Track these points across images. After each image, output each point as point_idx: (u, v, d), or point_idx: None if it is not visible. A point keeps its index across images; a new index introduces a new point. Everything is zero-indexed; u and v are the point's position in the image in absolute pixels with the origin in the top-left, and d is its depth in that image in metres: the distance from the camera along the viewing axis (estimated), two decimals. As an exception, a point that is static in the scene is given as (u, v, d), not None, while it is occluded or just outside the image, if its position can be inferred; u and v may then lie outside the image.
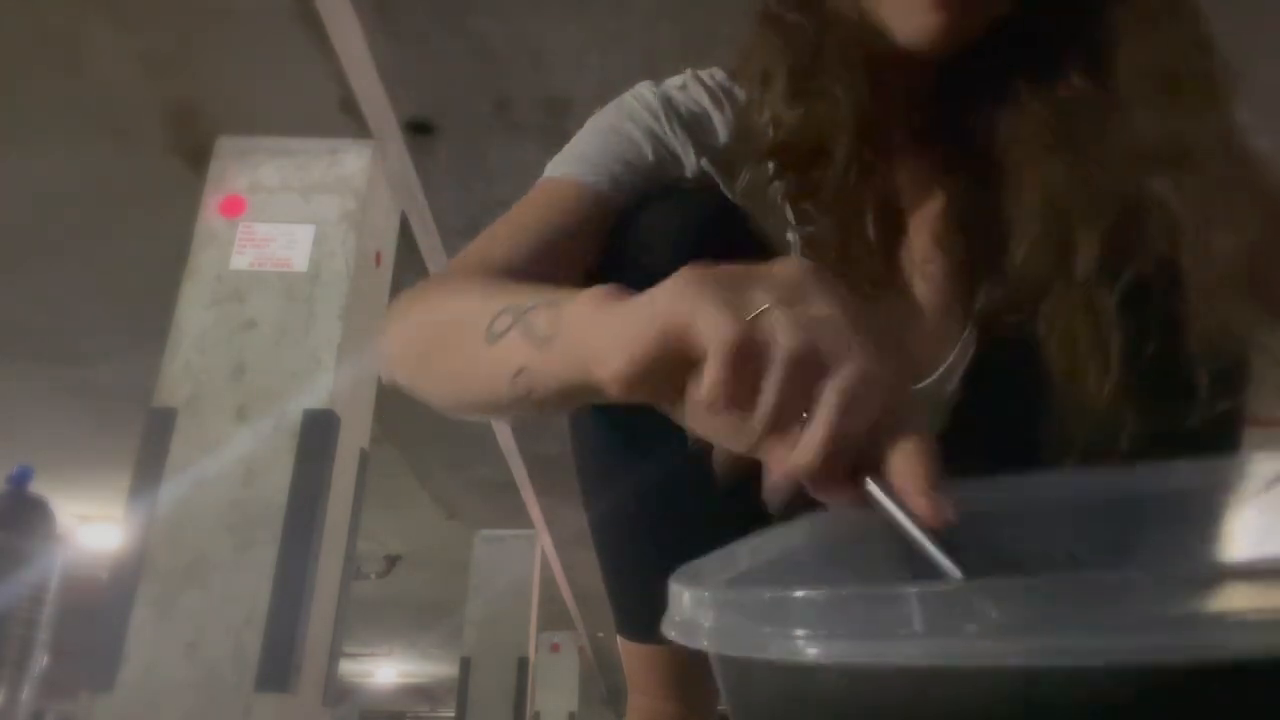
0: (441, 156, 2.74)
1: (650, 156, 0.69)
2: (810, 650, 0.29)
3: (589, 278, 0.63)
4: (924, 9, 0.58)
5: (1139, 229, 0.56)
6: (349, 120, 2.34)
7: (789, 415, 0.37)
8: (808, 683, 0.32)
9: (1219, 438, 0.60)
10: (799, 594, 0.30)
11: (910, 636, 0.27)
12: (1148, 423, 0.56)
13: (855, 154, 0.61)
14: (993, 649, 0.25)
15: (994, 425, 0.63)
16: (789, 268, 0.39)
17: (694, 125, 0.70)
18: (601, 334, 0.41)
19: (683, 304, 0.37)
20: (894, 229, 0.64)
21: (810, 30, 0.63)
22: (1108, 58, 0.60)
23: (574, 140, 0.71)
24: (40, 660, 3.07)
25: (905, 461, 0.37)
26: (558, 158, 0.70)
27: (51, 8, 2.05)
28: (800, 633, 0.29)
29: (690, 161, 0.70)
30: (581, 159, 0.68)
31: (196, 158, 2.45)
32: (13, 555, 2.98)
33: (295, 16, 2.03)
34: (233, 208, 2.36)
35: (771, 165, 0.63)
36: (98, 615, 2.03)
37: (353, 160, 2.42)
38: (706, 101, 0.72)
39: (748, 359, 0.36)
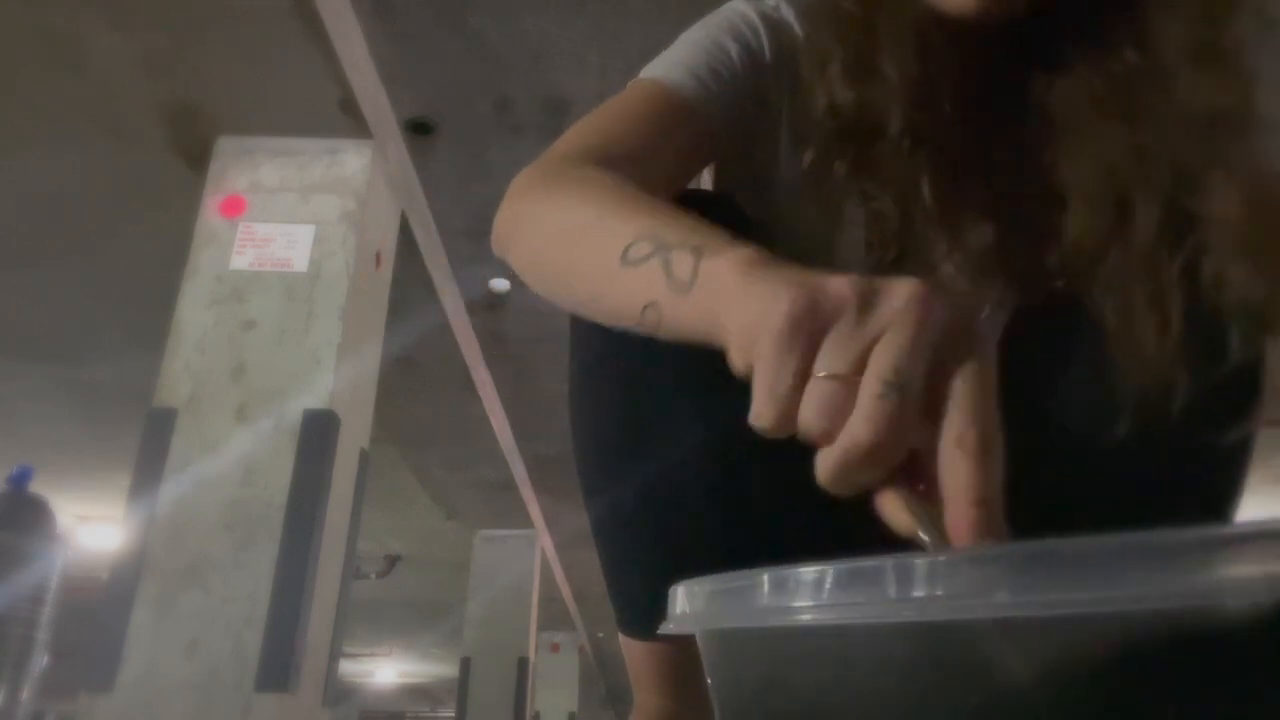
0: (441, 156, 2.74)
1: (740, 70, 0.70)
2: (806, 616, 0.30)
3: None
4: None
5: (1196, 196, 0.58)
6: (349, 120, 2.35)
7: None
8: (799, 651, 0.32)
9: (1250, 404, 0.63)
10: (793, 571, 0.31)
11: (905, 600, 0.27)
12: (1200, 383, 0.57)
13: (908, 126, 0.62)
14: (975, 605, 0.26)
15: (1040, 385, 0.65)
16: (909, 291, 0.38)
17: (785, 41, 0.72)
18: (737, 307, 0.41)
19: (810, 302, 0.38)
20: (952, 196, 0.65)
21: (860, 14, 0.65)
22: (1154, 30, 0.61)
23: (670, 48, 0.72)
24: (40, 660, 3.06)
25: (961, 462, 0.36)
26: (651, 64, 0.71)
27: (51, 8, 2.05)
28: (797, 603, 0.30)
29: (773, 82, 0.71)
30: (674, 65, 0.69)
31: (196, 158, 2.46)
32: (13, 555, 2.98)
33: (295, 16, 2.03)
34: (233, 208, 2.37)
35: (831, 148, 0.65)
36: (98, 615, 2.03)
37: (353, 160, 2.42)
38: (795, 25, 0.73)
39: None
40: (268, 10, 2.02)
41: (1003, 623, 0.26)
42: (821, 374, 0.37)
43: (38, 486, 3.21)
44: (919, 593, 0.27)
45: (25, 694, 3.00)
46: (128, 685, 1.94)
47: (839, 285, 0.38)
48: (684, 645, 0.72)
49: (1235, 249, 0.57)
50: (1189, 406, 0.58)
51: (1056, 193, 0.63)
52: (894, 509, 0.38)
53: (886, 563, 0.28)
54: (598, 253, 0.51)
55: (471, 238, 3.11)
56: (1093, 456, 0.62)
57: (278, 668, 1.95)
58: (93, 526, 5.94)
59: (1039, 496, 0.63)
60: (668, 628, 0.38)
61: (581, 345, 0.68)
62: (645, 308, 0.47)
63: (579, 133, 0.65)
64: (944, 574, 0.27)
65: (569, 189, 0.58)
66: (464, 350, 3.69)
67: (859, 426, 0.36)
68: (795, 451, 0.61)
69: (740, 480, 0.64)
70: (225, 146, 2.43)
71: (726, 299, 0.42)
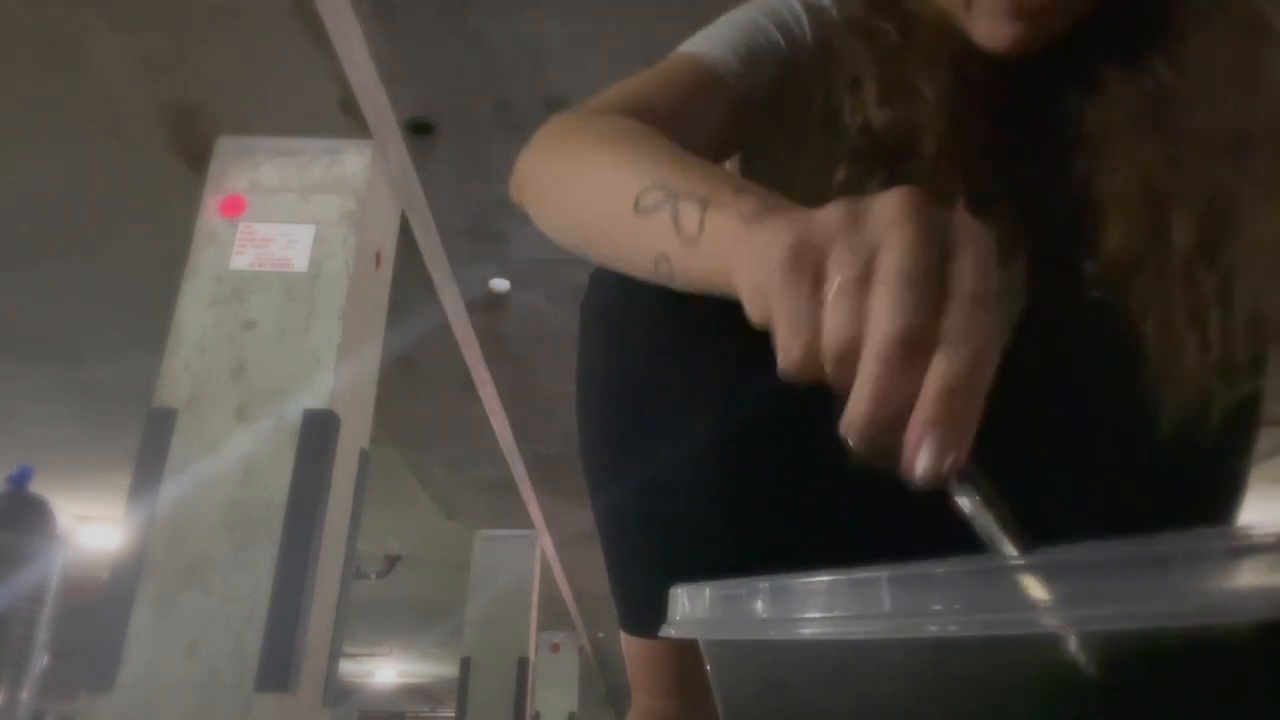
0: (441, 156, 2.74)
1: (781, 55, 0.69)
2: (806, 630, 0.30)
3: None
4: (1002, 18, 0.60)
5: (1232, 212, 0.58)
6: (349, 120, 2.35)
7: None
8: (799, 657, 0.32)
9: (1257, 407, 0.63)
10: (795, 581, 0.31)
11: (901, 616, 0.27)
12: (1234, 396, 0.58)
13: (943, 147, 0.63)
14: (970, 623, 0.26)
15: (1073, 393, 0.64)
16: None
17: (826, 33, 0.71)
18: (744, 257, 0.41)
19: (816, 239, 0.37)
20: (982, 212, 0.65)
21: (894, 34, 0.66)
22: (1188, 49, 0.61)
23: (710, 26, 0.72)
24: (40, 660, 3.07)
25: (944, 350, 0.35)
26: (690, 39, 0.71)
27: (51, 8, 2.05)
28: (795, 614, 0.30)
29: (813, 72, 0.70)
30: (714, 41, 0.69)
31: (196, 158, 2.46)
32: (13, 555, 2.98)
33: (295, 16, 2.03)
34: (233, 208, 2.37)
35: (864, 166, 0.65)
36: (98, 615, 2.03)
37: (353, 160, 2.42)
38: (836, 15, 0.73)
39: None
40: (268, 10, 2.02)
41: (999, 637, 0.26)
42: (833, 293, 0.36)
43: (38, 486, 3.21)
44: (916, 605, 0.27)
45: (25, 694, 3.00)
46: (128, 685, 1.94)
47: (828, 210, 0.38)
48: (685, 645, 0.72)
49: (1270, 267, 0.57)
50: (1219, 417, 0.59)
51: (1090, 206, 0.63)
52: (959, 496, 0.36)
53: (883, 574, 0.28)
54: (613, 197, 0.51)
55: (471, 238, 3.11)
56: (1124, 463, 0.62)
57: (278, 668, 1.95)
58: (93, 526, 5.95)
59: (1064, 497, 0.63)
60: (668, 631, 0.38)
61: (589, 340, 0.68)
62: (657, 259, 0.48)
63: (612, 92, 0.66)
64: (941, 587, 0.27)
65: (591, 133, 0.59)
66: (464, 350, 3.69)
67: (883, 318, 0.34)
68: (798, 450, 0.61)
69: (745, 478, 0.64)
70: (225, 146, 2.43)
71: (733, 250, 0.42)
